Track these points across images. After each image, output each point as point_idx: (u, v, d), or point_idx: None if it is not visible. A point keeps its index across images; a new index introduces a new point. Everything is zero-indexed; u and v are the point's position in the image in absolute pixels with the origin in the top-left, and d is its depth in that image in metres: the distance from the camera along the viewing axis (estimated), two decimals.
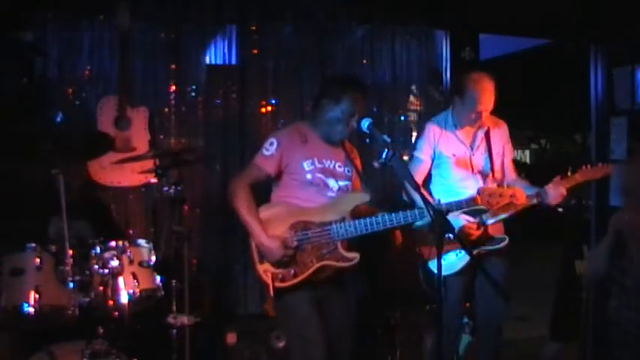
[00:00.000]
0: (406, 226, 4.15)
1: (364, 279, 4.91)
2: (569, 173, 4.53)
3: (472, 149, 4.65)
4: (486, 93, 4.47)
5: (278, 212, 4.13)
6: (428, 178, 4.78)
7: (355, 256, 4.09)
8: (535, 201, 4.48)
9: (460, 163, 4.64)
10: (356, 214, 4.11)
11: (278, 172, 4.15)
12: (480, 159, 4.65)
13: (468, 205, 4.21)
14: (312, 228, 4.06)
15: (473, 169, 4.63)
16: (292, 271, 4.03)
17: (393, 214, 4.03)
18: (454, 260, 4.54)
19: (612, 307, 3.66)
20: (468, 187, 4.54)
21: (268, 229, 4.06)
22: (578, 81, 7.77)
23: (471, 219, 4.48)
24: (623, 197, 3.58)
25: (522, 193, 4.24)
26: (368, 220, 4.02)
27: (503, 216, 4.54)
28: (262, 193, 4.27)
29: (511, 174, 4.78)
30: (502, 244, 4.56)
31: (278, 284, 4.03)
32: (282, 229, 4.07)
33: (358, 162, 4.38)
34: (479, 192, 4.21)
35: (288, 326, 4.26)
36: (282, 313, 4.27)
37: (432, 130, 4.70)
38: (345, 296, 4.36)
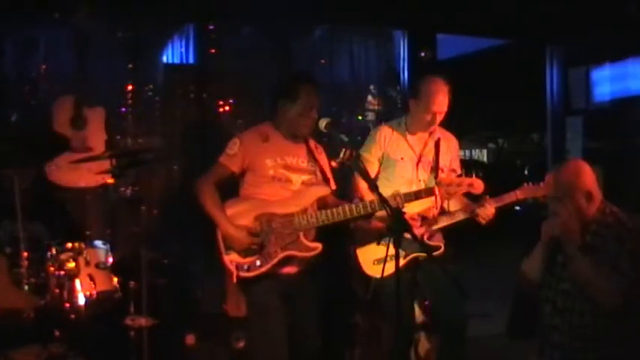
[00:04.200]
0: (367, 217, 4.22)
1: (326, 276, 4.91)
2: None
3: (420, 156, 4.67)
4: (440, 94, 4.50)
5: (243, 207, 4.21)
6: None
7: (317, 245, 4.18)
8: (467, 216, 4.56)
9: (407, 168, 4.66)
10: (323, 205, 4.23)
11: (242, 170, 4.23)
12: (426, 166, 4.68)
13: (426, 195, 4.28)
14: (276, 219, 4.14)
15: (418, 175, 4.65)
16: (258, 262, 4.10)
17: (353, 205, 4.14)
18: (388, 263, 4.54)
19: (547, 312, 3.70)
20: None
21: (235, 222, 4.14)
22: (535, 81, 7.88)
23: (415, 215, 4.51)
24: (553, 204, 3.62)
25: (480, 183, 4.29)
26: (329, 210, 4.14)
27: (440, 225, 4.61)
28: (229, 191, 4.31)
29: None
30: (437, 253, 4.59)
31: (244, 274, 4.10)
32: (248, 221, 4.15)
33: (324, 157, 4.46)
34: (437, 182, 4.27)
35: (253, 317, 4.29)
36: (248, 304, 4.33)
37: (383, 132, 4.71)
38: (313, 292, 4.40)
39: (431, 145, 4.67)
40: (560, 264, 3.64)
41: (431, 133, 4.67)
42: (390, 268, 4.39)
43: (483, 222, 4.50)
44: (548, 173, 3.77)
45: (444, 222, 4.63)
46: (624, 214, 3.56)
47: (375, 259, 4.43)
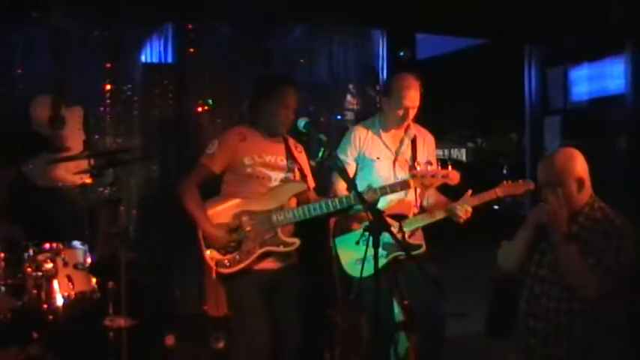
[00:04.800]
0: (345, 211, 4.31)
1: (305, 276, 4.91)
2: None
3: (397, 154, 4.68)
4: (412, 89, 4.54)
5: (223, 205, 4.31)
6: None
7: (295, 241, 4.31)
8: (446, 214, 4.57)
9: (384, 167, 4.67)
10: (304, 202, 4.37)
11: (222, 169, 4.33)
12: (404, 165, 4.69)
13: (402, 188, 4.35)
14: (254, 216, 4.24)
15: (396, 174, 4.66)
16: (237, 257, 4.20)
17: (329, 200, 4.26)
18: (367, 263, 4.53)
19: (524, 298, 3.73)
20: None
21: (215, 220, 4.24)
22: (514, 81, 7.91)
23: (393, 221, 4.51)
24: (544, 191, 3.64)
25: (456, 174, 4.32)
26: (306, 206, 4.27)
27: (420, 224, 4.62)
28: (211, 189, 4.39)
29: None
30: (419, 251, 4.60)
31: (224, 270, 4.19)
32: (227, 219, 4.25)
33: (303, 156, 4.59)
34: (412, 174, 4.30)
35: (233, 313, 4.42)
36: (229, 301, 4.46)
37: (358, 133, 4.72)
38: (293, 289, 4.50)
39: (407, 142, 4.69)
40: (541, 251, 3.67)
41: (406, 131, 4.69)
42: (370, 267, 4.41)
43: (461, 221, 4.52)
44: (541, 161, 3.79)
45: (423, 220, 4.64)
46: (612, 210, 3.59)
47: (356, 259, 4.44)
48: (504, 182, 4.59)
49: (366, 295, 4.27)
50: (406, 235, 4.57)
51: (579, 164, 3.59)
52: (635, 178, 6.17)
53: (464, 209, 4.50)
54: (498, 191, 4.57)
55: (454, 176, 4.33)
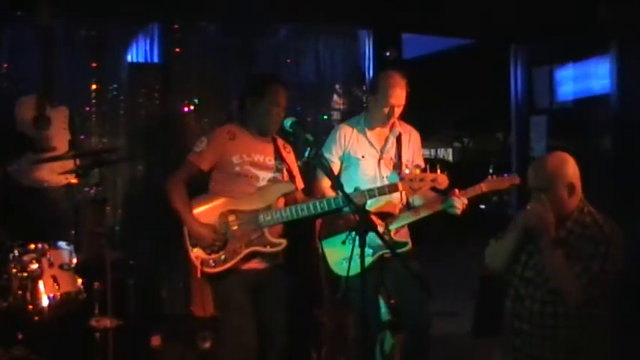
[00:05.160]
0: (332, 213, 4.30)
1: (292, 276, 4.91)
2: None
3: (382, 152, 4.69)
4: (397, 88, 4.55)
5: (210, 203, 4.30)
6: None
7: (282, 241, 4.31)
8: (434, 210, 4.57)
9: (369, 165, 4.67)
10: (291, 203, 4.36)
11: (210, 166, 4.33)
12: (389, 163, 4.70)
13: (390, 191, 4.35)
14: (241, 215, 4.23)
15: (381, 172, 4.67)
16: (223, 257, 4.19)
17: (317, 201, 4.25)
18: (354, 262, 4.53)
19: (510, 299, 3.75)
20: None
21: (201, 218, 4.24)
22: (500, 80, 7.94)
23: (379, 221, 4.51)
24: (534, 194, 3.64)
25: (445, 179, 4.33)
26: (294, 207, 4.26)
27: (406, 222, 4.63)
28: (198, 187, 4.38)
29: None
30: (405, 249, 4.60)
31: (209, 269, 4.18)
32: (214, 217, 4.24)
33: (292, 156, 4.58)
34: (401, 178, 4.31)
35: (219, 313, 4.42)
36: (216, 301, 4.46)
37: (344, 131, 4.73)
38: (279, 288, 4.49)
39: (392, 140, 4.70)
40: (528, 252, 3.68)
41: (391, 129, 4.69)
42: (357, 266, 4.41)
43: (459, 212, 4.50)
44: (532, 164, 3.80)
45: (409, 218, 4.65)
46: (602, 216, 3.59)
47: (343, 258, 4.44)
48: (489, 177, 4.59)
49: (353, 294, 4.27)
50: (392, 233, 4.58)
51: (571, 169, 3.59)
52: (619, 178, 6.20)
53: (460, 201, 4.49)
54: (484, 186, 4.56)
55: (443, 180, 4.34)
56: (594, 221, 3.56)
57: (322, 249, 4.59)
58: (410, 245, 4.65)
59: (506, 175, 4.56)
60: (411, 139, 4.79)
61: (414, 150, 4.79)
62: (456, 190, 4.50)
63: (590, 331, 3.51)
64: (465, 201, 4.50)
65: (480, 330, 5.57)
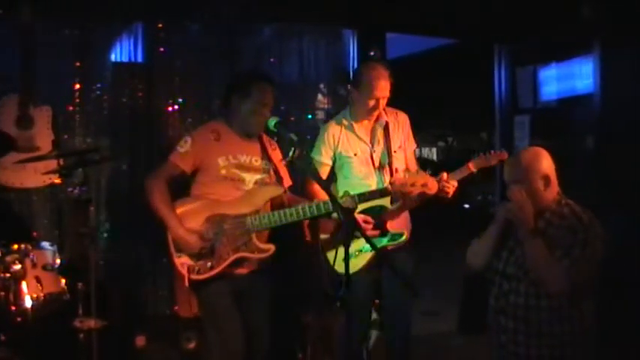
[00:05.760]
0: (322, 217, 4.21)
1: (278, 278, 4.91)
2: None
3: (372, 145, 4.68)
4: (381, 79, 4.53)
5: (195, 207, 4.16)
6: (331, 178, 4.80)
7: (270, 247, 4.18)
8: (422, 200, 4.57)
9: (362, 162, 4.66)
10: (279, 204, 4.26)
11: (193, 168, 4.19)
12: (380, 155, 4.69)
13: (381, 195, 4.33)
14: (228, 220, 4.10)
15: (375, 166, 4.67)
16: (209, 264, 4.06)
17: (307, 205, 4.13)
18: (355, 259, 4.54)
19: (493, 295, 3.77)
20: (371, 184, 4.58)
21: (185, 222, 4.09)
22: (483, 80, 7.97)
23: (369, 218, 4.51)
24: (509, 188, 3.68)
25: (435, 183, 4.32)
26: (282, 211, 4.13)
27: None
28: (179, 189, 4.27)
29: (412, 167, 4.81)
30: (400, 240, 4.59)
31: (195, 277, 4.06)
32: (199, 222, 4.10)
33: (278, 154, 4.46)
34: (391, 183, 4.31)
35: (206, 318, 4.28)
36: (200, 306, 4.31)
37: (332, 130, 4.70)
38: (264, 291, 4.40)
39: (380, 130, 4.67)
40: (509, 248, 3.71)
41: (377, 120, 4.68)
42: (357, 264, 4.43)
43: (449, 195, 4.49)
44: (507, 159, 3.83)
45: (399, 210, 4.60)
46: (579, 207, 3.64)
47: (342, 257, 4.44)
48: (476, 155, 4.58)
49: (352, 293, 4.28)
50: (387, 225, 4.56)
51: (545, 162, 3.65)
52: (602, 177, 6.24)
53: (450, 184, 4.48)
54: (471, 165, 4.54)
55: (433, 185, 4.33)
56: (572, 212, 3.61)
57: (323, 249, 4.57)
58: (405, 236, 4.61)
59: (492, 152, 4.56)
60: (399, 123, 4.75)
61: (403, 135, 4.77)
62: (444, 174, 4.46)
63: (574, 326, 3.54)
64: (455, 184, 4.49)
65: (465, 328, 5.59)
